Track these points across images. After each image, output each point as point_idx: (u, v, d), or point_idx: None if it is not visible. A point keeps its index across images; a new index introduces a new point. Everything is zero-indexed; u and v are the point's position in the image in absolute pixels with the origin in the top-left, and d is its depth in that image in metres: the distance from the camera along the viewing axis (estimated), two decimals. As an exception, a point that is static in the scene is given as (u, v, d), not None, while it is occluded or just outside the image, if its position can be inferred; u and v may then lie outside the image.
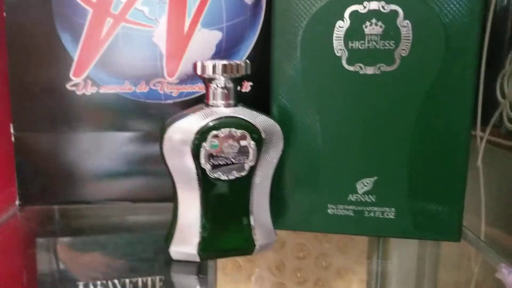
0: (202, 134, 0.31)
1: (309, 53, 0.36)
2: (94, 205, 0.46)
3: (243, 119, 0.32)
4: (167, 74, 0.44)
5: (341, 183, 0.37)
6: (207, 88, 0.33)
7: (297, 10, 0.36)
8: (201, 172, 0.32)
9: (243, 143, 0.32)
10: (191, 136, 0.31)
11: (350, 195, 0.38)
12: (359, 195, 0.37)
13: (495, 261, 0.37)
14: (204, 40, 0.44)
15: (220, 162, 0.32)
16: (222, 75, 0.32)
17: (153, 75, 0.44)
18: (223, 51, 0.44)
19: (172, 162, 0.33)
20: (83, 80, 0.44)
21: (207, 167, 0.32)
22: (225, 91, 0.33)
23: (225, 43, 0.44)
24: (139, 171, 0.46)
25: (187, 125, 0.32)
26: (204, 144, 0.31)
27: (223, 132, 0.32)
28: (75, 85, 0.44)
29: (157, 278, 0.34)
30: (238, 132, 0.32)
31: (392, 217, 0.37)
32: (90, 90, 0.44)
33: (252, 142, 0.32)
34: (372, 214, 0.38)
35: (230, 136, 0.32)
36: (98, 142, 0.45)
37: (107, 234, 0.43)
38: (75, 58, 0.43)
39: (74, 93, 0.44)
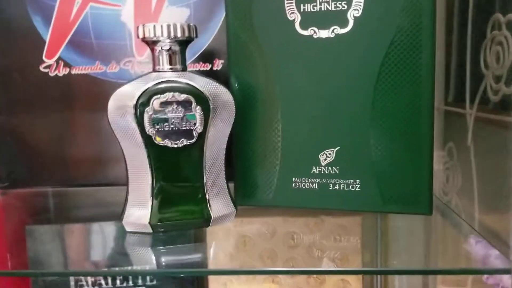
0: (145, 99, 0.31)
1: (262, 18, 0.35)
2: (76, 188, 0.46)
3: (188, 83, 0.32)
4: (137, 53, 0.44)
5: (304, 155, 0.36)
6: (152, 52, 0.33)
7: (248, -25, 0.35)
8: (147, 139, 0.31)
9: (187, 108, 0.31)
10: (133, 101, 0.31)
11: (314, 167, 0.36)
12: (322, 167, 0.36)
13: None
14: (172, 17, 0.43)
15: (166, 128, 0.31)
16: (165, 36, 0.32)
17: (123, 54, 0.44)
18: (192, 28, 0.44)
19: (117, 130, 0.32)
20: (55, 62, 0.44)
21: (152, 133, 0.31)
22: (171, 53, 0.32)
23: (193, 20, 0.43)
24: (117, 153, 0.45)
25: (130, 91, 0.31)
26: (147, 109, 0.31)
27: (167, 96, 0.31)
28: (48, 66, 0.44)
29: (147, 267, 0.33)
30: (182, 97, 0.31)
31: (357, 189, 0.36)
32: (62, 71, 0.44)
33: (198, 107, 0.31)
34: (337, 187, 0.36)
35: (174, 101, 0.31)
36: (73, 123, 0.45)
37: (91, 220, 0.43)
38: (47, 40, 0.44)
39: (47, 75, 0.44)
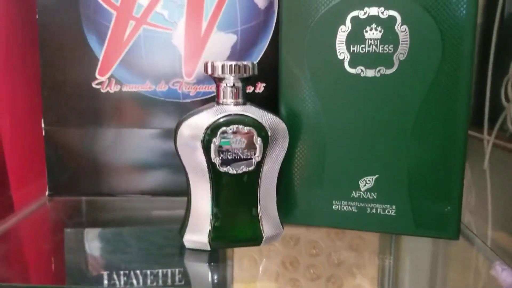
0: (212, 130, 0.34)
1: (314, 55, 0.38)
2: (118, 197, 0.50)
3: (251, 117, 0.35)
4: (185, 75, 0.47)
5: (345, 181, 0.40)
6: (217, 87, 0.36)
7: (302, 15, 0.38)
8: (211, 166, 0.35)
9: (250, 139, 0.35)
10: (202, 132, 0.34)
11: (353, 192, 0.40)
12: (361, 192, 0.39)
13: (494, 260, 0.38)
14: (220, 43, 0.46)
15: (229, 157, 0.35)
16: (231, 74, 0.35)
17: (172, 75, 0.47)
18: (237, 53, 0.47)
19: (184, 156, 0.35)
20: (107, 79, 0.47)
21: (217, 161, 0.34)
22: (234, 90, 0.35)
23: (239, 45, 0.47)
24: (159, 166, 0.49)
25: (198, 122, 0.34)
26: (214, 139, 0.34)
27: (232, 128, 0.34)
28: (100, 83, 0.47)
29: (177, 270, 0.36)
30: (246, 129, 0.34)
31: (393, 214, 0.39)
32: (113, 89, 0.47)
33: (259, 139, 0.35)
34: (374, 211, 0.39)
35: (238, 133, 0.34)
36: (121, 137, 0.48)
37: (131, 226, 0.46)
38: (100, 58, 0.47)
39: (99, 91, 0.47)
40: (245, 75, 0.35)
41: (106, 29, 0.46)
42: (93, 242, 0.42)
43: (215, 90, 0.46)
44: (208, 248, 0.36)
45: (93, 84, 0.47)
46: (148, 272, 0.35)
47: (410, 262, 0.41)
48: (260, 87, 0.47)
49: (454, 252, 0.41)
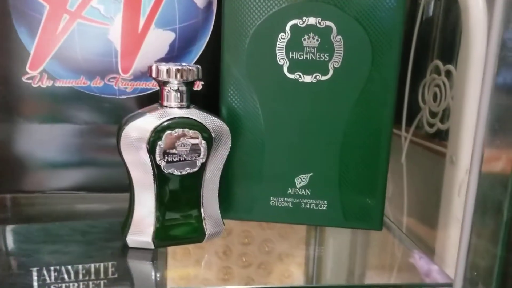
0: (158, 133, 0.35)
1: (254, 60, 0.40)
2: (47, 194, 0.48)
3: (195, 120, 0.36)
4: (122, 71, 0.46)
5: (282, 178, 0.42)
6: (161, 90, 0.36)
7: (244, 20, 0.39)
8: (156, 168, 0.35)
9: (194, 142, 0.36)
10: (147, 134, 0.34)
11: (290, 189, 0.42)
12: (297, 189, 0.42)
13: (412, 248, 0.43)
14: (158, 40, 0.46)
15: (174, 159, 0.35)
16: (175, 78, 0.35)
17: (108, 70, 0.46)
18: (176, 51, 0.47)
19: (128, 157, 0.36)
20: (39, 73, 0.45)
21: (161, 163, 0.35)
22: (178, 93, 0.36)
23: (177, 43, 0.47)
24: (92, 163, 0.48)
25: (144, 124, 0.35)
26: (159, 142, 0.35)
27: (177, 131, 0.35)
28: (31, 78, 0.45)
29: (109, 264, 0.37)
30: (191, 132, 0.35)
31: (324, 208, 0.42)
32: (45, 83, 0.46)
33: (203, 141, 0.36)
34: (308, 206, 0.42)
35: (183, 135, 0.35)
36: (52, 133, 0.47)
37: (61, 222, 0.45)
38: (31, 52, 0.45)
39: (29, 86, 0.45)
40: (189, 79, 0.36)
41: (37, 22, 0.44)
42: (21, 240, 0.41)
43: (153, 87, 0.47)
44: (152, 246, 0.37)
45: (24, 79, 0.45)
46: (80, 266, 0.36)
47: (332, 248, 0.45)
48: (199, 85, 0.48)
49: (372, 238, 0.46)
